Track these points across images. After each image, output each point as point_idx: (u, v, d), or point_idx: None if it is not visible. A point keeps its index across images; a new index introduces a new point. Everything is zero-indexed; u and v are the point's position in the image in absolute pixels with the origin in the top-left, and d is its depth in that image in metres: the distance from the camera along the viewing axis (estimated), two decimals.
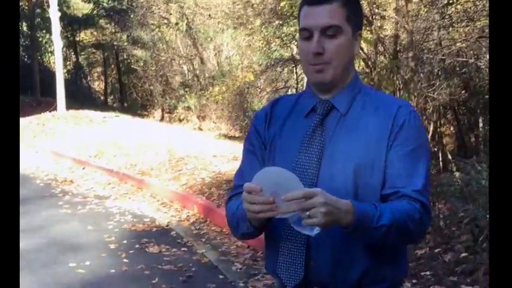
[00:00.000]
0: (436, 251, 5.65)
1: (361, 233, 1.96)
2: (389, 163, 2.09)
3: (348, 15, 2.12)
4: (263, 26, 17.26)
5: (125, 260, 6.75)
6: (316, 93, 2.23)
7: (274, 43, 19.04)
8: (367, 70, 16.41)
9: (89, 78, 38.48)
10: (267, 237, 2.26)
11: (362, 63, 17.24)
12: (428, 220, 2.08)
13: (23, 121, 20.05)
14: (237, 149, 13.46)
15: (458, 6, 14.19)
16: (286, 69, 19.43)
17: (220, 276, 6.21)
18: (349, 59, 2.17)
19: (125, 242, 7.53)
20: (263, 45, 19.68)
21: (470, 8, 14.22)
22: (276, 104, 2.35)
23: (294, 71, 18.97)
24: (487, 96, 15.61)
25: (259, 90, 20.88)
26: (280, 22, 16.92)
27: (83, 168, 13.67)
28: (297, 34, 17.75)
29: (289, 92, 20.37)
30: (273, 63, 18.60)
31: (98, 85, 39.67)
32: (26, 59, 33.70)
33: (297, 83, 18.82)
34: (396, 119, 2.10)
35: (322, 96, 2.20)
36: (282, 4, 16.14)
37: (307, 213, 1.85)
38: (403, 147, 2.09)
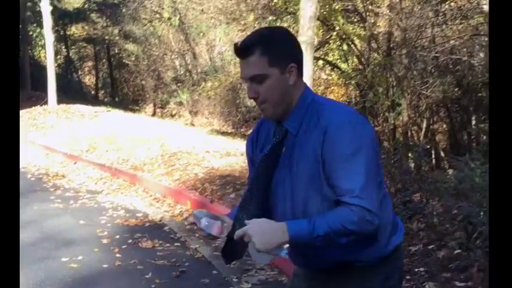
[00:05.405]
0: (430, 247, 5.66)
1: (303, 244, 2.36)
2: (327, 175, 2.38)
3: (270, 60, 2.44)
4: (256, 22, 17.25)
5: (117, 255, 6.71)
6: None
7: None
8: (361, 67, 16.44)
9: (79, 73, 38.28)
10: None
11: (355, 59, 17.27)
12: (372, 217, 2.32)
13: None
14: (230, 145, 13.43)
15: (452, 4, 14.25)
16: None
17: (214, 272, 6.17)
18: (282, 93, 2.48)
19: (117, 237, 7.48)
20: None
21: (464, 5, 14.28)
22: (259, 128, 2.74)
23: None
24: (480, 94, 15.68)
25: None
26: (274, 18, 16.94)
27: (75, 163, 13.62)
28: (291, 30, 17.86)
29: None
30: None
31: (88, 79, 39.45)
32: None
33: None
34: (326, 137, 2.37)
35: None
36: (275, 0, 16.14)
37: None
38: (336, 160, 2.35)
